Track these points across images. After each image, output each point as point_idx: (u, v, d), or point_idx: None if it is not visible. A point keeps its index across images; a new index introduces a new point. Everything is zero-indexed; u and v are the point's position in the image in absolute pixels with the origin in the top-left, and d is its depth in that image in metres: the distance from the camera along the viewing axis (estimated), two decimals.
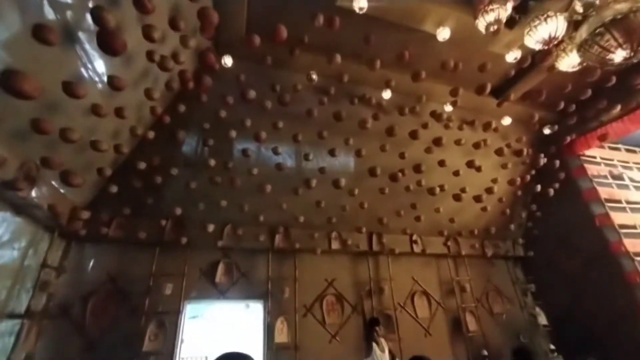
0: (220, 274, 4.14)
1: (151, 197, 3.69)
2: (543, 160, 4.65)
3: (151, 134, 3.15)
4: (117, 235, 3.77)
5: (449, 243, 5.36)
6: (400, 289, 4.88)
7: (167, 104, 3.33)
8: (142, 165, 3.27)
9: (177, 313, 3.80)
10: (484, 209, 4.88)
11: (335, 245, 4.69)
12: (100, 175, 3.18)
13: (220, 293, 4.12)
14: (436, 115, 4.11)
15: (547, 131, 4.61)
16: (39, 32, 1.81)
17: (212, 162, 3.57)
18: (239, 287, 4.21)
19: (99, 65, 2.63)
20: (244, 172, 3.72)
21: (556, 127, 4.57)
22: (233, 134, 3.49)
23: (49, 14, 2.13)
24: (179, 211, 3.78)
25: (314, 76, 3.50)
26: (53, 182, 2.99)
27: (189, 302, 4.03)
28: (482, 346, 4.80)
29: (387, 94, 3.93)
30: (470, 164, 4.39)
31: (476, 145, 4.37)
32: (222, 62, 3.26)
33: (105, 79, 2.67)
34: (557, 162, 4.73)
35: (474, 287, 5.27)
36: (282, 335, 4.09)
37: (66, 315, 3.44)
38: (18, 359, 2.87)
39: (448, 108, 4.13)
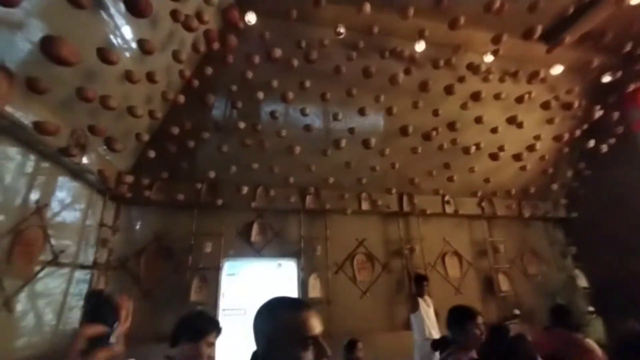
0: (255, 234, 4.36)
1: (186, 161, 3.85)
2: (599, 113, 4.19)
3: (181, 98, 3.20)
4: (158, 198, 4.02)
5: (483, 204, 5.19)
6: (431, 249, 4.88)
7: (195, 66, 3.33)
8: (176, 130, 3.38)
9: (217, 269, 4.10)
10: (523, 167, 4.59)
11: (365, 205, 4.71)
12: (139, 141, 3.34)
13: (256, 251, 4.37)
14: (474, 68, 3.77)
15: (606, 79, 4.09)
16: None
17: (242, 125, 3.60)
18: (273, 245, 4.43)
19: (126, 31, 2.64)
20: (273, 134, 3.73)
21: (619, 73, 4.01)
22: (260, 95, 3.45)
23: None
24: (212, 174, 3.93)
25: (342, 29, 3.30)
26: (99, 149, 3.19)
27: (227, 260, 4.32)
28: (515, 306, 4.79)
29: (420, 46, 3.63)
30: (511, 120, 4.07)
31: (519, 99, 4.00)
32: (246, 19, 3.14)
33: (133, 45, 2.69)
34: (616, 114, 4.24)
35: (508, 249, 5.15)
36: (315, 290, 4.32)
37: (125, 268, 3.85)
38: None
39: (488, 58, 3.75)
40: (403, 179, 4.60)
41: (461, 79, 3.79)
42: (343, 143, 3.83)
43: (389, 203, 4.79)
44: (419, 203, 4.87)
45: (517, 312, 4.70)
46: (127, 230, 4.00)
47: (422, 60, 3.83)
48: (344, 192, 4.55)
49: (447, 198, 5.02)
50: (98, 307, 0.55)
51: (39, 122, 2.22)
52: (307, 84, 3.45)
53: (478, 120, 4.02)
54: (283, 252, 4.48)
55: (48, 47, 1.72)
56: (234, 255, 4.32)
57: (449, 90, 3.75)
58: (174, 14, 2.50)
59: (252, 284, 7.07)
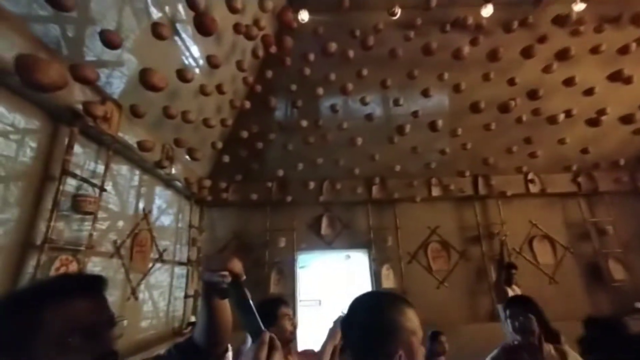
0: (324, 227, 4.47)
1: (256, 163, 4.11)
2: None
3: (247, 104, 3.42)
4: (234, 199, 4.39)
5: (579, 179, 4.47)
6: (515, 233, 4.41)
7: (256, 72, 3.51)
8: (245, 135, 3.63)
9: (291, 262, 4.33)
10: (637, 131, 3.81)
11: (435, 192, 4.46)
12: (214, 148, 3.68)
13: (327, 244, 4.48)
14: (560, 21, 3.23)
15: None
16: (156, 30, 2.08)
17: (304, 123, 3.70)
18: (342, 237, 4.50)
19: (194, 50, 2.92)
20: (335, 128, 3.75)
21: None
22: (319, 91, 3.49)
23: (154, 13, 2.41)
24: (281, 173, 4.13)
25: (397, 10, 3.13)
26: (183, 159, 3.60)
27: (300, 253, 4.52)
28: (635, 298, 4.05)
29: (487, 10, 3.25)
30: (614, 76, 3.40)
31: (624, 50, 3.30)
32: (299, 18, 3.19)
33: (201, 62, 2.96)
34: None
35: (620, 230, 4.36)
36: (389, 281, 4.27)
37: None
38: (190, 293, 3.83)
39: (579, 6, 3.18)
40: (477, 160, 4.22)
41: (542, 39, 3.29)
42: (407, 128, 3.66)
43: (462, 187, 4.46)
44: (497, 184, 4.43)
45: (639, 305, 3.97)
46: (210, 230, 4.47)
47: (491, 26, 3.42)
48: (412, 180, 4.38)
49: (530, 176, 4.46)
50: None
51: (140, 141, 2.60)
52: (365, 72, 3.37)
53: (568, 82, 3.45)
54: (353, 244, 4.51)
55: (144, 78, 2.00)
56: (306, 249, 4.51)
57: (527, 53, 3.29)
58: (236, 27, 2.67)
59: (322, 275, 7.33)
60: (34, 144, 2.02)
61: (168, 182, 3.53)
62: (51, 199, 2.03)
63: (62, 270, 2.11)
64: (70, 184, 2.20)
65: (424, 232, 4.47)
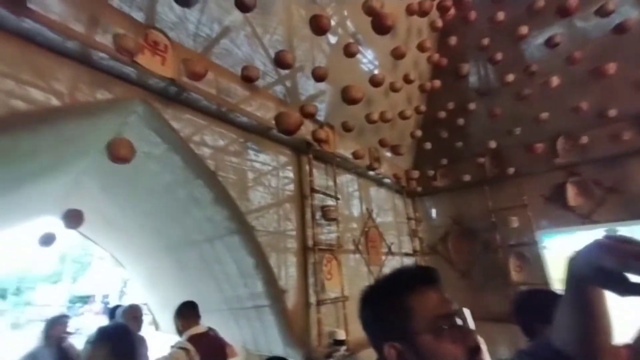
0: (572, 196, 3.41)
1: (460, 141, 3.73)
2: None
3: (437, 83, 3.18)
4: (444, 184, 4.16)
5: None
6: None
7: (437, 46, 3.23)
8: (442, 115, 3.39)
9: (531, 244, 3.57)
10: None
11: None
12: (413, 138, 3.66)
13: (582, 218, 3.39)
14: None
15: None
16: (348, 50, 2.34)
17: (510, 77, 3.02)
18: (608, 206, 3.26)
19: (369, 54, 3.05)
20: (559, 66, 2.81)
21: None
22: (523, 30, 2.75)
23: (331, 38, 2.72)
24: (493, 144, 3.53)
25: None
26: (388, 157, 3.81)
27: (543, 232, 3.66)
28: None
29: None
30: None
31: None
32: None
33: (376, 62, 3.04)
34: None
35: None
36: None
37: (435, 252, 4.26)
38: None
39: None
40: None
41: None
42: None
43: None
44: None
45: None
46: (427, 220, 4.44)
47: None
48: None
49: None
50: None
51: (354, 151, 2.96)
52: None
53: None
54: (631, 213, 3.17)
55: (345, 94, 2.27)
56: (551, 226, 3.60)
57: None
58: (408, 8, 2.56)
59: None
60: (290, 175, 2.72)
61: (380, 182, 3.83)
62: (309, 212, 2.64)
63: (329, 265, 2.68)
64: (317, 198, 2.79)
65: None
